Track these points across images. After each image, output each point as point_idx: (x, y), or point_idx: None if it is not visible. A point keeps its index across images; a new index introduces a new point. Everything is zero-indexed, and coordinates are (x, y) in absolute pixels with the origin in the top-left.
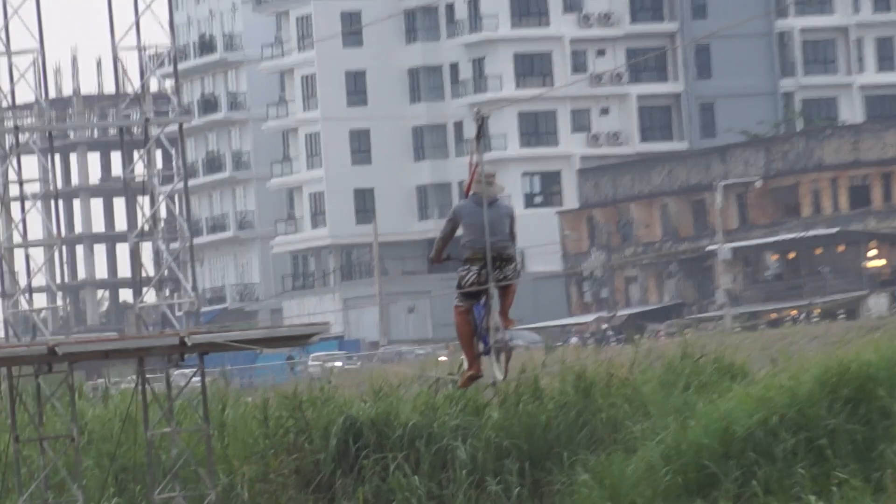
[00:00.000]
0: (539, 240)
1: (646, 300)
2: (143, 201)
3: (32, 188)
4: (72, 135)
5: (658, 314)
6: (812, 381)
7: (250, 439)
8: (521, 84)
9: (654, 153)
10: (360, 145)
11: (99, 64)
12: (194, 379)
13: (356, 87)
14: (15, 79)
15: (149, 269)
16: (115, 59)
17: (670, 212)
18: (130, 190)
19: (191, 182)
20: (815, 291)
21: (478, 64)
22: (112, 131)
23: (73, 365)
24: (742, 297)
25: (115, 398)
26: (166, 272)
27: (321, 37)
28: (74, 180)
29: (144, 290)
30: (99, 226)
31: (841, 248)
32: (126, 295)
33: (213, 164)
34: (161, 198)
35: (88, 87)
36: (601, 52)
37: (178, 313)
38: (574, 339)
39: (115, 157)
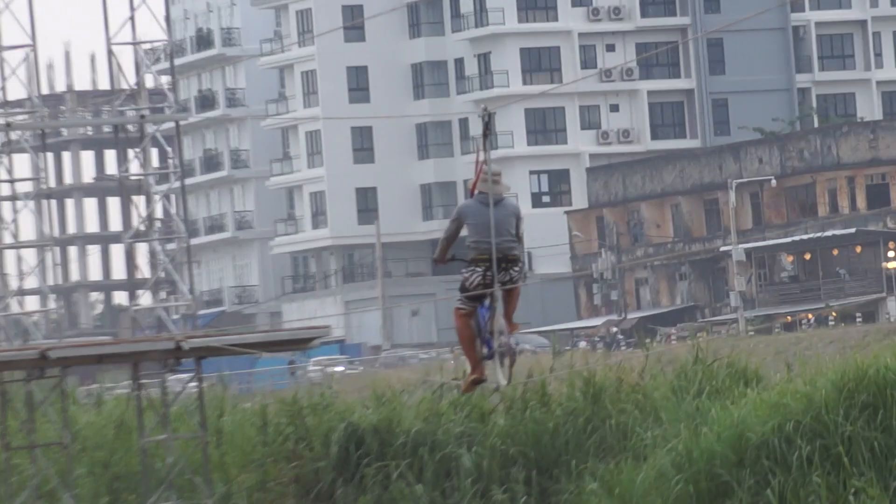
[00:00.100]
0: (547, 240)
1: (657, 303)
2: (139, 201)
3: (24, 187)
4: (65, 132)
5: (669, 317)
6: (829, 387)
7: (248, 447)
8: (529, 80)
9: (666, 151)
10: (363, 143)
11: (93, 59)
12: (191, 384)
13: (358, 83)
14: (6, 74)
15: (144, 270)
16: (110, 55)
17: (682, 212)
18: (125, 189)
19: (188, 181)
20: (831, 294)
21: (483, 59)
22: (106, 129)
23: (66, 370)
24: (756, 300)
25: (109, 404)
26: (162, 274)
27: (322, 31)
28: (67, 179)
29: (140, 292)
30: (93, 226)
31: (858, 249)
32: (121, 297)
33: (211, 162)
34: (157, 197)
35: (82, 84)
36: (611, 47)
37: (174, 316)
38: (583, 343)
39: (110, 156)
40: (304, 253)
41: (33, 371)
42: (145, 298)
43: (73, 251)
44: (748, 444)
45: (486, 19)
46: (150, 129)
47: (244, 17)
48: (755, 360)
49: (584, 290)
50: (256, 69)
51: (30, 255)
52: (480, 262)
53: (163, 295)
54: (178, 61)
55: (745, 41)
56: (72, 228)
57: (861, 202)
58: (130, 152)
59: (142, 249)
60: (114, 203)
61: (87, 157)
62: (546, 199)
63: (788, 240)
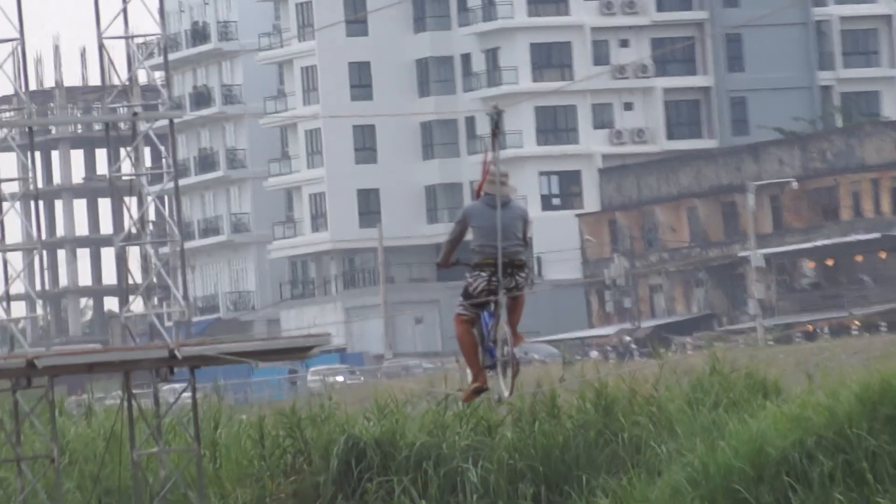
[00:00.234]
0: (557, 245)
1: (672, 310)
2: (131, 202)
3: (11, 188)
4: (54, 130)
5: (685, 326)
6: (852, 400)
7: (245, 460)
8: (539, 77)
9: (682, 151)
10: (365, 142)
11: (83, 54)
12: (184, 395)
13: (360, 79)
14: None
15: (136, 275)
16: (101, 49)
17: (699, 215)
18: (117, 190)
19: (182, 182)
20: (854, 302)
21: (492, 55)
22: (97, 126)
23: (54, 379)
24: (776, 308)
25: (99, 415)
26: (155, 279)
27: (322, 25)
28: (56, 179)
29: (131, 298)
30: (82, 229)
31: (883, 255)
32: (111, 303)
33: (206, 162)
34: (150, 199)
35: (72, 79)
36: (625, 43)
37: (167, 323)
38: (594, 353)
39: (101, 155)
40: (303, 257)
41: (20, 380)
42: (137, 305)
43: (61, 255)
44: (767, 459)
45: (495, 13)
46: (142, 126)
47: (241, 10)
48: (775, 371)
49: (596, 297)
50: (254, 64)
51: (17, 259)
52: (485, 266)
53: (155, 301)
54: (172, 56)
55: (765, 36)
56: (61, 231)
57: (886, 206)
58: (122, 151)
59: (134, 253)
60: (104, 204)
61: (77, 156)
62: (556, 201)
63: (810, 245)
